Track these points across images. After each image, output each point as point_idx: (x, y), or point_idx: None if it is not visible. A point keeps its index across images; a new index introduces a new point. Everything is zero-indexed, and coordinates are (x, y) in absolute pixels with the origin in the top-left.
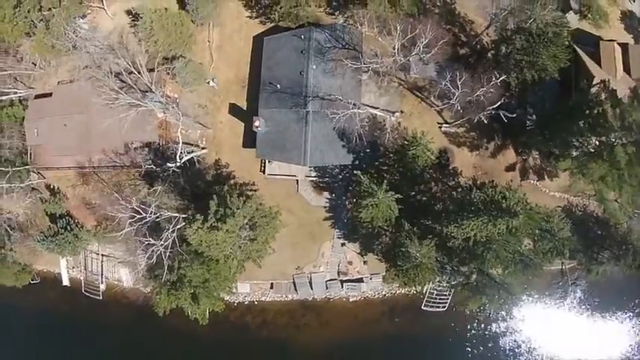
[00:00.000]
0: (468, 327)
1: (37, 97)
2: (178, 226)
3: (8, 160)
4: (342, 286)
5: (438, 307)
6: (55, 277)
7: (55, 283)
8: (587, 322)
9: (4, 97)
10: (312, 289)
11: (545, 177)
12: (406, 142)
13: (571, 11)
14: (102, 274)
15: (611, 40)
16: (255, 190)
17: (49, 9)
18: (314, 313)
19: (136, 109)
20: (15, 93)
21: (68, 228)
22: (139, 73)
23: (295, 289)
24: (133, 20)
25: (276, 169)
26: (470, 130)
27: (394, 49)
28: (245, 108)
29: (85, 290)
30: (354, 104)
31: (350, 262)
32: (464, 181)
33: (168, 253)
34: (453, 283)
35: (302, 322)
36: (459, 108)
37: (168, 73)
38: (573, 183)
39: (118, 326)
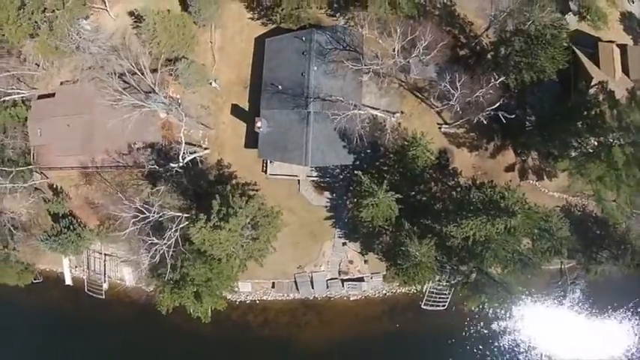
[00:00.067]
0: (468, 326)
1: (40, 97)
2: (181, 226)
3: (11, 160)
4: (343, 285)
5: (438, 305)
6: (58, 277)
7: (57, 282)
8: (586, 321)
9: (7, 98)
10: (313, 288)
11: (544, 177)
12: (406, 143)
13: (570, 13)
14: (104, 274)
15: (610, 42)
16: (257, 190)
17: (53, 10)
18: (315, 311)
19: (140, 110)
20: (18, 93)
21: (71, 227)
22: (142, 74)
23: (296, 288)
24: (135, 21)
25: (277, 169)
26: (469, 131)
27: (394, 50)
28: (247, 109)
29: (87, 289)
30: (354, 105)
31: (351, 262)
32: (463, 181)
33: (171, 252)
34: (452, 282)
35: (303, 320)
36: (459, 109)
37: (170, 75)
38: (572, 183)
39: (120, 325)
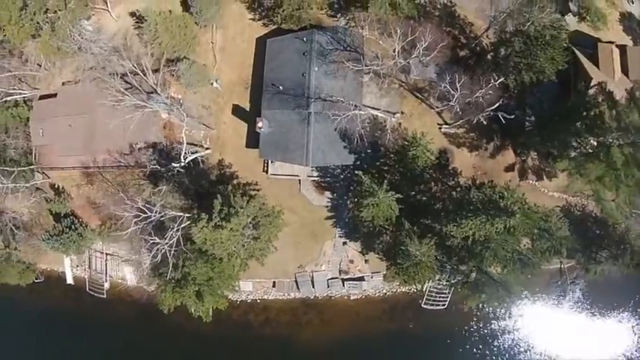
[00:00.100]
0: (468, 325)
1: (42, 97)
2: (183, 225)
3: (13, 160)
4: (344, 285)
5: (438, 305)
6: (59, 276)
7: (58, 281)
8: (585, 320)
9: (9, 98)
10: (313, 287)
11: (544, 177)
12: (406, 143)
13: (570, 13)
14: (106, 273)
15: (610, 42)
16: (258, 190)
17: (55, 11)
18: (316, 311)
19: (142, 110)
20: (20, 94)
21: (73, 227)
22: (144, 74)
23: (297, 288)
24: (136, 22)
25: (278, 169)
26: (469, 131)
27: (395, 51)
28: (248, 109)
29: (89, 289)
30: (355, 105)
31: (351, 261)
32: (463, 181)
33: (172, 252)
34: (452, 281)
35: (304, 320)
36: (458, 109)
37: (172, 75)
38: (571, 183)
39: (121, 324)
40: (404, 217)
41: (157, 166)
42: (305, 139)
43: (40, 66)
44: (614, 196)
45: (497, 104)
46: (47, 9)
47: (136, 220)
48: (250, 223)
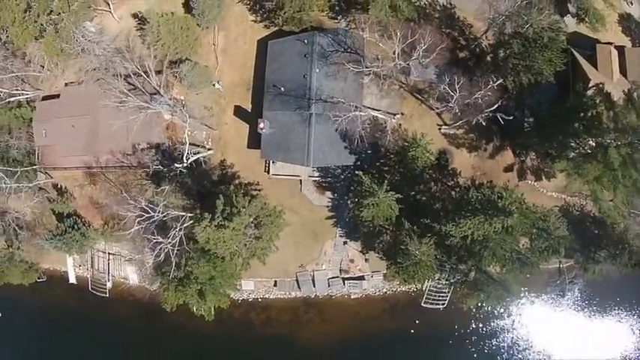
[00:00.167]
0: (467, 324)
1: (45, 98)
2: (185, 225)
3: (16, 161)
4: (344, 284)
5: (438, 304)
6: (62, 276)
7: (61, 281)
8: (583, 320)
9: (11, 99)
10: (314, 286)
11: (543, 177)
12: (406, 144)
13: (569, 15)
14: (108, 272)
15: (609, 43)
16: (260, 190)
17: (59, 13)
18: (316, 310)
19: (145, 111)
20: (22, 94)
21: (75, 227)
22: (147, 76)
23: (298, 287)
24: (139, 23)
25: (280, 170)
26: (469, 132)
27: (395, 53)
28: (249, 110)
29: (91, 288)
30: (355, 106)
31: (352, 260)
32: (462, 182)
33: (175, 251)
34: (452, 280)
35: (305, 318)
36: (458, 110)
37: (175, 76)
38: (569, 183)
39: (124, 323)
40: (404, 216)
41: (159, 166)
42: (306, 139)
43: (43, 67)
44: (612, 197)
45: (496, 105)
46: (51, 10)
47: (139, 219)
48: (252, 222)
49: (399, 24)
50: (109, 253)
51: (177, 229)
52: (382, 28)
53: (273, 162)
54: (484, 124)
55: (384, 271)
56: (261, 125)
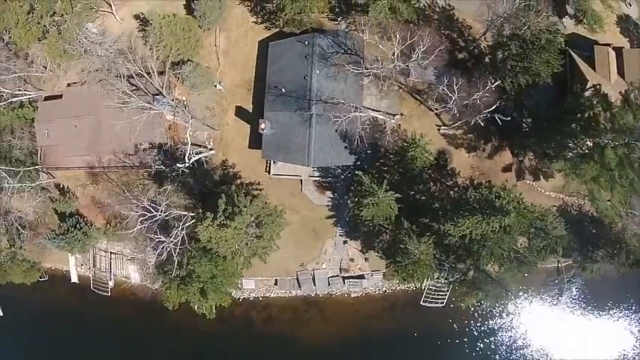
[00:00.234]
0: (466, 322)
1: (47, 98)
2: (187, 224)
3: (19, 161)
4: (344, 283)
5: (437, 302)
6: (64, 275)
7: (63, 280)
8: (581, 318)
9: (14, 99)
10: (314, 285)
11: (541, 177)
12: (406, 144)
13: (567, 16)
14: (110, 271)
15: (607, 45)
16: (261, 190)
17: (62, 15)
18: (317, 308)
19: (147, 112)
20: (25, 95)
21: (78, 226)
22: (150, 76)
23: (299, 286)
24: (141, 24)
25: (280, 170)
26: (467, 132)
27: (394, 55)
28: (251, 110)
29: (93, 287)
30: (355, 107)
31: (352, 259)
32: (461, 181)
33: (177, 250)
34: (450, 279)
35: (305, 317)
36: (456, 111)
37: (177, 77)
38: (567, 183)
39: (125, 322)
40: (403, 216)
41: (161, 166)
42: (307, 140)
43: (46, 68)
44: (609, 196)
45: (494, 106)
46: (54, 12)
47: (141, 219)
48: (253, 222)
49: (399, 26)
50: (110, 253)
51: (179, 229)
52: (382, 29)
53: (274, 162)
54: (482, 124)
55: (384, 270)
56: (262, 126)
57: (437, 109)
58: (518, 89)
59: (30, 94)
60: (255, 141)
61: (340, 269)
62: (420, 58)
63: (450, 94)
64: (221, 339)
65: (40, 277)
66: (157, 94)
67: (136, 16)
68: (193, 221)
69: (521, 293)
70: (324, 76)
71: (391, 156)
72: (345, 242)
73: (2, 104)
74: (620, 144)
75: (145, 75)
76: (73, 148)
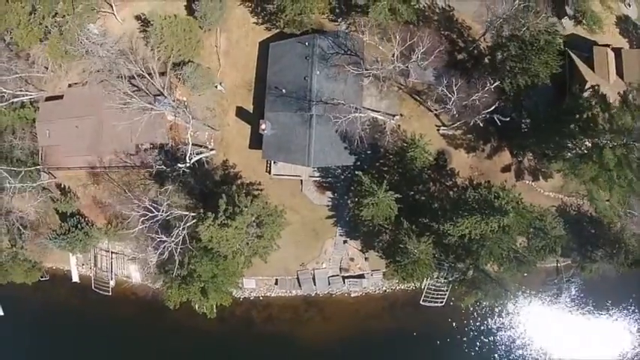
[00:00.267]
0: (466, 322)
1: (48, 99)
2: (188, 224)
3: (20, 161)
4: (344, 282)
5: (436, 302)
6: (65, 275)
7: (64, 280)
8: (580, 318)
9: (15, 100)
10: (315, 284)
11: (540, 177)
12: (405, 144)
13: (566, 17)
14: (111, 271)
15: (606, 45)
16: (261, 190)
17: (63, 16)
18: (317, 308)
19: (149, 112)
20: (26, 95)
21: (79, 226)
22: (151, 77)
23: (299, 285)
24: (142, 25)
25: (281, 170)
26: (467, 133)
27: (394, 56)
28: (251, 111)
29: (94, 287)
30: (355, 108)
31: (352, 259)
32: (461, 182)
33: (179, 249)
34: (450, 279)
35: (305, 316)
36: (456, 112)
37: (178, 78)
38: (566, 183)
39: (126, 321)
40: (403, 216)
41: (162, 166)
42: (307, 140)
43: (47, 68)
44: (608, 197)
45: (493, 107)
46: (56, 13)
47: (142, 219)
48: (254, 221)
49: (398, 27)
50: (112, 252)
51: (180, 228)
52: (382, 31)
53: (274, 162)
54: (482, 125)
55: (384, 270)
56: (263, 126)
57: (436, 110)
58: (517, 90)
59: (31, 95)
60: (256, 141)
61: (340, 269)
62: (420, 59)
63: (450, 95)
64: (222, 338)
65: (41, 277)
66: (158, 95)
67: (137, 17)
68: (194, 221)
69: (520, 293)
70: (325, 77)
71: (391, 156)
72: (345, 242)
73: (4, 105)
74: (618, 144)
75: (146, 76)
76: (74, 149)
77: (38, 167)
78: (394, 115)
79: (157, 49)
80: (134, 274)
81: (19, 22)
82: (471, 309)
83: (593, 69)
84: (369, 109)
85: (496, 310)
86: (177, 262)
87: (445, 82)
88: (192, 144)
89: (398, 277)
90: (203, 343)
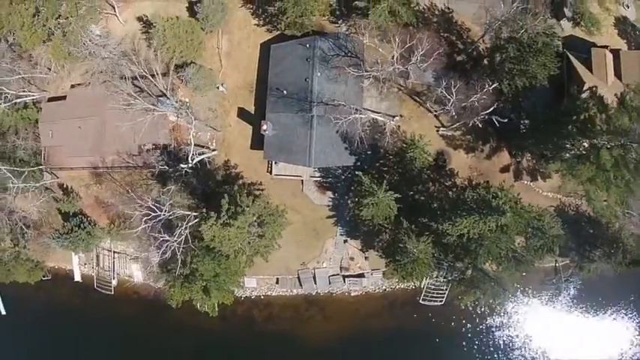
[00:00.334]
0: (465, 320)
1: (51, 100)
2: (190, 224)
3: (23, 161)
4: (345, 281)
5: (436, 301)
6: (67, 274)
7: (66, 279)
8: (579, 318)
9: (18, 100)
10: (315, 283)
11: (539, 178)
12: (405, 145)
13: (565, 18)
14: (113, 270)
15: (604, 47)
16: (263, 190)
17: (67, 17)
18: (317, 307)
19: (152, 113)
20: (28, 96)
21: (81, 226)
22: (154, 78)
23: (300, 284)
24: (144, 27)
25: (282, 170)
26: (466, 134)
27: (393, 57)
28: (253, 112)
29: (96, 286)
30: (356, 109)
31: (352, 258)
32: (460, 182)
33: (181, 249)
34: (449, 278)
35: (306, 315)
36: (455, 113)
37: (180, 79)
38: (564, 184)
39: (128, 320)
40: (402, 216)
41: (165, 166)
42: (308, 141)
43: (50, 69)
44: (605, 197)
45: (492, 108)
46: (59, 15)
47: (145, 218)
48: (255, 221)
49: (398, 29)
50: (114, 252)
51: (182, 228)
52: (382, 33)
53: (275, 163)
54: (481, 126)
55: (384, 269)
56: (264, 127)
57: (436, 111)
58: (515, 91)
59: (34, 96)
60: (257, 142)
61: (341, 268)
62: (419, 60)
63: (449, 96)
64: (223, 337)
65: (44, 276)
66: (161, 96)
67: (139, 19)
68: (197, 220)
69: (518, 292)
70: (325, 79)
71: (391, 157)
72: (345, 241)
73: (6, 105)
74: (615, 145)
75: (149, 77)
76: (77, 149)
77: (41, 167)
78: (394, 116)
79: (159, 51)
80: (136, 274)
81: (22, 23)
82: (470, 308)
83: (591, 70)
84: (369, 110)
85: (495, 309)
86: (179, 261)
87: (444, 83)
88: (195, 144)
89: (397, 277)
90: (205, 341)
